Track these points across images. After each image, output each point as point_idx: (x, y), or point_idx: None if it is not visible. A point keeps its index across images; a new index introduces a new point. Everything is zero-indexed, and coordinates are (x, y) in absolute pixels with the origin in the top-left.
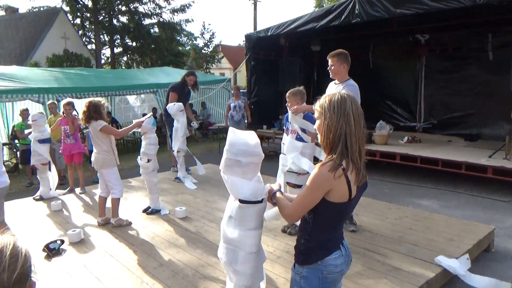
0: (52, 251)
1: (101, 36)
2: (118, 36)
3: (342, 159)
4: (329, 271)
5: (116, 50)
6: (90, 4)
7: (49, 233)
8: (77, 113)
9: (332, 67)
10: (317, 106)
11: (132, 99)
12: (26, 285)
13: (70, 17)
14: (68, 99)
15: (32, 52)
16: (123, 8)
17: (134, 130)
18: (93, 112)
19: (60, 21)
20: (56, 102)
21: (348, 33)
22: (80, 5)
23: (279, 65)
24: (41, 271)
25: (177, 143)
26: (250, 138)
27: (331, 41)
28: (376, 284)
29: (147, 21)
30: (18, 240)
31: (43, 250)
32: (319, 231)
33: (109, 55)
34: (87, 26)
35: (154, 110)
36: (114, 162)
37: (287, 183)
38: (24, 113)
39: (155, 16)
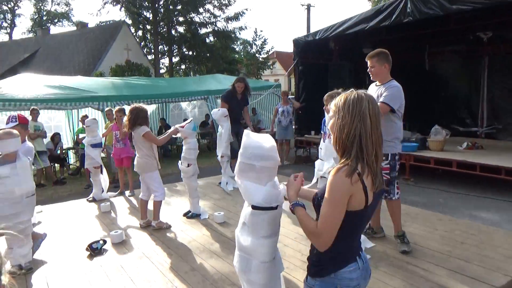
0: (95, 250)
1: (160, 47)
2: (175, 46)
3: (357, 163)
4: (343, 285)
5: (174, 60)
6: (150, 16)
7: (95, 233)
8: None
9: (372, 69)
10: (332, 105)
11: (185, 105)
12: None
13: (132, 30)
14: (120, 106)
15: (98, 63)
16: (181, 19)
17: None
18: (136, 117)
19: (124, 33)
20: (112, 109)
21: (401, 34)
22: (141, 18)
23: (328, 69)
24: (81, 269)
25: (221, 148)
26: (265, 141)
27: (383, 43)
28: None
29: (202, 31)
30: None
31: (86, 249)
32: (334, 241)
33: (168, 64)
34: (148, 37)
35: (207, 116)
36: (156, 166)
37: None
38: (84, 119)
39: (210, 25)
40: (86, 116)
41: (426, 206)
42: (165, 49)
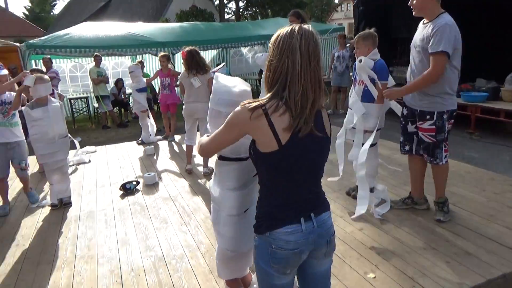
0: (128, 190)
1: None
2: None
3: (271, 100)
4: (278, 246)
5: (241, 4)
6: None
7: (133, 174)
8: (173, 66)
9: (414, 1)
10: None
11: (245, 51)
12: None
13: None
14: (164, 53)
15: (165, 9)
16: None
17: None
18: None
19: None
20: (167, 55)
21: None
22: None
23: (392, 10)
24: (110, 207)
25: (262, 93)
26: (235, 86)
27: None
28: (432, 267)
29: None
30: None
31: (120, 188)
32: (266, 195)
33: (235, 9)
34: None
35: None
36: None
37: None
38: (140, 65)
39: None
40: (141, 62)
41: (486, 164)
42: None
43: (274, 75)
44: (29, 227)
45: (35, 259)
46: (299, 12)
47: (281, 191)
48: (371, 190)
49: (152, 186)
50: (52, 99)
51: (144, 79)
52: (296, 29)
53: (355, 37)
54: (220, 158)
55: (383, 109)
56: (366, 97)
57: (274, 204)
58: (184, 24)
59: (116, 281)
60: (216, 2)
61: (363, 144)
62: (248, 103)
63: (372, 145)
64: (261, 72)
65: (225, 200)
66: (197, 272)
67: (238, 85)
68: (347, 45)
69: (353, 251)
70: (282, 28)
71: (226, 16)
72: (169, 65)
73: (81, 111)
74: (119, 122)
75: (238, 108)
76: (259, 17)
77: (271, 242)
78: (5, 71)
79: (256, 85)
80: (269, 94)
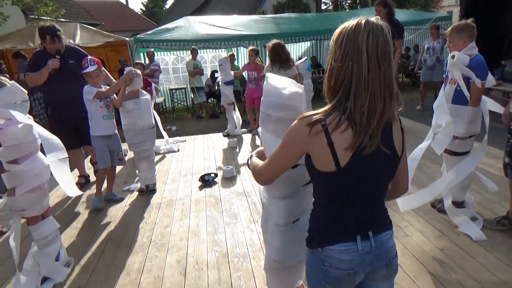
0: (206, 182)
1: None
2: None
3: (332, 113)
4: (331, 264)
5: None
6: None
7: (214, 166)
8: (261, 60)
9: None
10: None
11: None
12: None
13: None
14: (253, 47)
15: (263, 2)
16: None
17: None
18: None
19: None
20: (255, 49)
21: None
22: None
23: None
24: (190, 197)
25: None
26: (286, 88)
27: None
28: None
29: None
30: None
31: (199, 180)
32: (319, 210)
33: (332, 0)
34: None
35: None
36: None
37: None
38: (231, 58)
39: None
40: (232, 55)
41: None
42: None
43: (336, 82)
44: (118, 209)
45: (116, 240)
46: (386, 1)
47: (336, 208)
48: (461, 205)
49: (229, 180)
50: (143, 92)
51: (232, 72)
52: (362, 23)
53: (449, 29)
54: None
55: (478, 113)
56: (458, 98)
57: (328, 219)
58: (277, 16)
59: (180, 272)
60: None
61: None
62: (306, 116)
63: (463, 153)
64: None
65: (273, 208)
66: (256, 274)
67: (289, 87)
68: (440, 36)
69: (428, 274)
70: (346, 22)
71: (324, 7)
72: (257, 59)
73: (180, 101)
74: (211, 113)
75: (295, 123)
76: (358, 7)
77: (323, 259)
78: (94, 67)
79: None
80: (330, 105)
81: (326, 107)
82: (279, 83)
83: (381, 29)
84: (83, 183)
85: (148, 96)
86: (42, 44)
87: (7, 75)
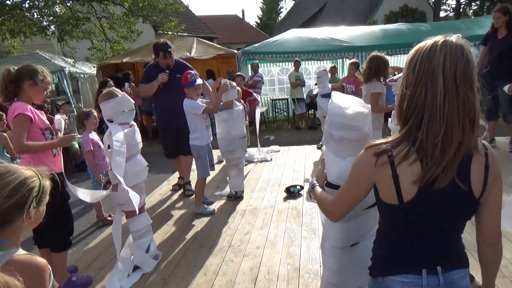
0: (291, 193)
1: None
2: None
3: (402, 143)
4: None
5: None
6: None
7: (304, 177)
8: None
9: None
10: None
11: None
12: (20, 214)
13: None
14: (354, 60)
15: (374, 12)
16: None
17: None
18: (379, 70)
19: None
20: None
21: None
22: None
23: None
24: (274, 207)
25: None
26: (349, 107)
27: None
28: None
29: None
30: (22, 171)
31: (284, 191)
32: (383, 237)
33: (454, 6)
34: None
35: None
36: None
37: None
38: (333, 70)
39: None
40: (334, 68)
41: None
42: None
43: (407, 109)
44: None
45: (200, 241)
46: (507, 7)
47: (400, 238)
48: None
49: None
50: (237, 103)
51: (330, 85)
52: (439, 44)
53: None
54: (328, 184)
55: None
56: None
57: (392, 248)
58: (385, 26)
59: (250, 280)
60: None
61: None
62: (374, 145)
63: None
64: None
65: (330, 229)
66: None
67: (353, 106)
68: None
69: None
70: (422, 43)
71: (443, 14)
72: (357, 72)
73: (281, 111)
74: (310, 125)
75: (362, 152)
76: (484, 14)
77: None
78: (200, 81)
79: None
80: (400, 133)
81: (396, 136)
82: (343, 102)
83: (461, 50)
84: (181, 184)
85: (241, 107)
86: (155, 58)
87: (133, 84)
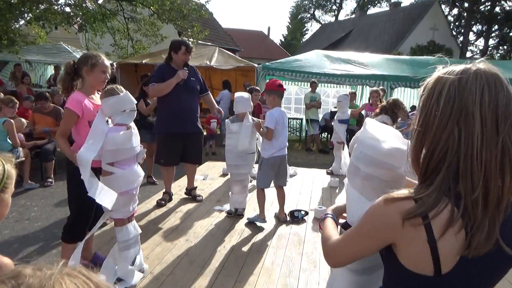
0: (295, 218)
1: (477, 27)
2: (496, 26)
3: (439, 200)
4: None
5: (491, 42)
6: None
7: (310, 203)
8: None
9: None
10: (420, 90)
11: None
12: None
13: (444, 8)
14: (377, 88)
15: (401, 43)
16: None
17: None
18: (390, 110)
19: (433, 12)
20: (380, 91)
21: None
22: None
23: None
24: (275, 231)
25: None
26: (386, 141)
27: None
28: None
29: None
30: None
31: (288, 214)
32: None
33: (482, 47)
34: (464, 15)
35: None
36: None
37: None
38: (352, 95)
39: None
40: (354, 93)
41: None
42: (483, 29)
43: (432, 155)
44: (203, 227)
45: (192, 258)
46: None
47: None
48: None
49: (319, 221)
50: (250, 117)
51: (349, 111)
52: (471, 73)
53: None
54: (344, 225)
55: None
56: None
57: None
58: (412, 57)
59: None
60: (460, 39)
61: None
62: (397, 199)
63: None
64: None
65: (340, 279)
66: None
67: (391, 140)
68: None
69: None
70: (444, 70)
71: (469, 55)
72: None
73: (294, 131)
74: (321, 148)
75: (381, 205)
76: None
77: None
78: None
79: None
80: (432, 187)
81: (426, 190)
82: (380, 134)
83: (499, 79)
84: (167, 200)
85: (251, 122)
86: (169, 58)
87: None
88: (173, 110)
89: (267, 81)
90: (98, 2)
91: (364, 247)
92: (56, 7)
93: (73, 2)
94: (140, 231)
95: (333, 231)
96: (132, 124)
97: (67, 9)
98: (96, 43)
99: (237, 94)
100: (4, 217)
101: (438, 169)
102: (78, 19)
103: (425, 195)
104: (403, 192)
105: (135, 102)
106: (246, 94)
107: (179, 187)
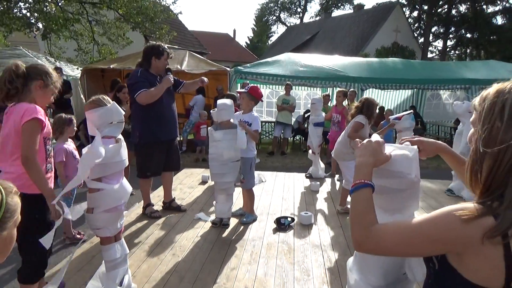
0: (281, 225)
1: (435, 28)
2: (453, 28)
3: None
4: None
5: (449, 43)
6: None
7: (294, 208)
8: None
9: None
10: (476, 102)
11: (445, 95)
12: None
13: (405, 10)
14: (341, 89)
15: (366, 45)
16: None
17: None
18: (365, 109)
19: (395, 14)
20: (355, 91)
21: None
22: None
23: None
24: (263, 239)
25: (457, 149)
26: (389, 150)
27: None
28: None
29: (489, 9)
30: None
31: (274, 221)
32: None
33: (441, 48)
34: (424, 18)
35: None
36: (352, 156)
37: None
38: (326, 98)
39: (500, 2)
40: (328, 96)
41: None
42: (440, 31)
43: (498, 168)
44: (189, 239)
45: (181, 274)
46: None
47: None
48: None
49: (306, 227)
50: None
51: (323, 114)
52: None
53: None
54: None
55: None
56: None
57: None
58: (382, 59)
59: None
60: (421, 40)
61: None
62: (477, 216)
63: None
64: (457, 120)
65: (369, 262)
66: None
67: (396, 149)
68: None
69: None
70: (501, 84)
71: (430, 55)
72: (345, 102)
73: (267, 134)
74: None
75: (457, 222)
76: (467, 59)
77: None
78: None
79: (450, 133)
80: (505, 201)
81: (498, 201)
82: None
83: None
84: (156, 210)
85: (235, 130)
86: (147, 63)
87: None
88: (162, 117)
89: (243, 84)
90: (59, 4)
91: (421, 250)
92: (15, 10)
93: (32, 6)
94: (128, 251)
95: (372, 209)
96: (120, 136)
97: (25, 12)
98: (59, 47)
99: (220, 101)
100: (8, 255)
101: (505, 182)
102: (39, 25)
103: (502, 210)
104: (473, 206)
105: (123, 113)
106: (228, 101)
107: (158, 197)
